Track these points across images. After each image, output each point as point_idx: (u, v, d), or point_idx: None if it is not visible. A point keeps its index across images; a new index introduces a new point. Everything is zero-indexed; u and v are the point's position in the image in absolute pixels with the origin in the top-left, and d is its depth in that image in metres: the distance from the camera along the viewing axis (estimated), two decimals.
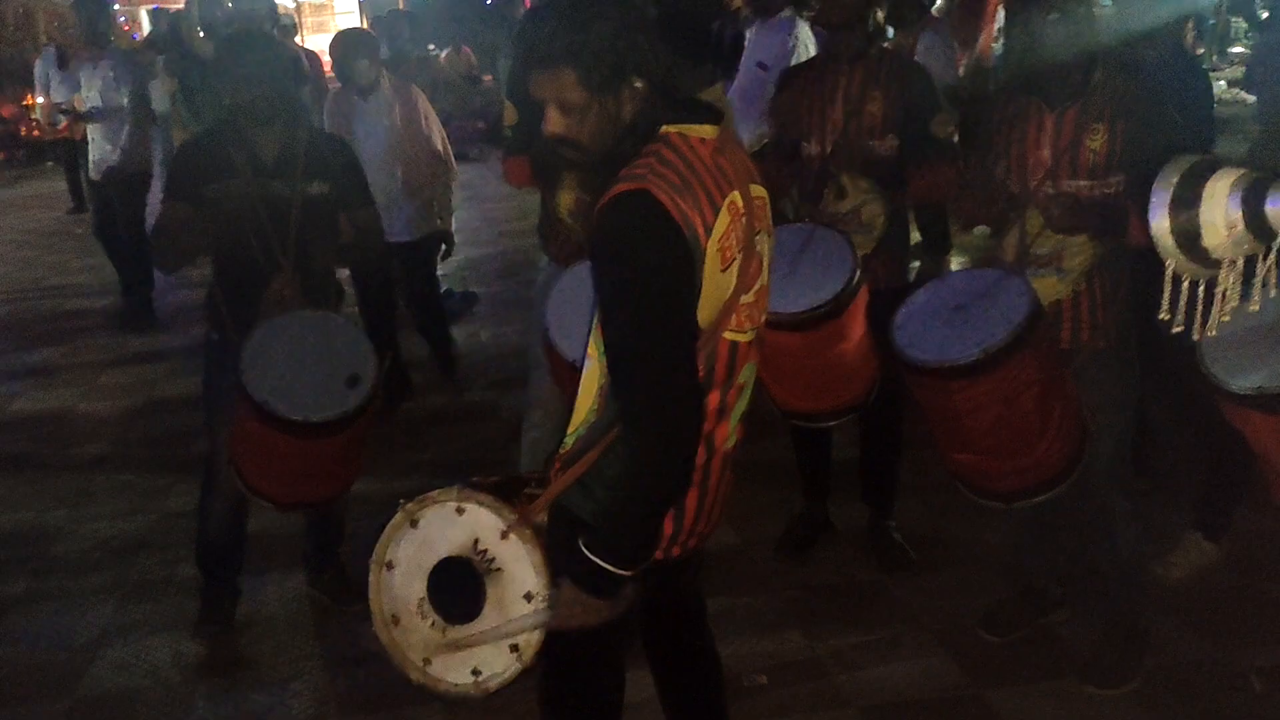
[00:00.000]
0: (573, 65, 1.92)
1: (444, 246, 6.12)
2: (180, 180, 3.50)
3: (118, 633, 3.85)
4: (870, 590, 3.86)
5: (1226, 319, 1.72)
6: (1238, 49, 16.18)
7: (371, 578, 2.16)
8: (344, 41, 5.59)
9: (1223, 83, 14.13)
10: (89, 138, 7.33)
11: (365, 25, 19.74)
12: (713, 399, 2.01)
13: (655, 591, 2.18)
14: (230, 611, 3.81)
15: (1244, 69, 12.79)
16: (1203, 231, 1.66)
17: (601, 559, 1.93)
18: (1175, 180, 1.69)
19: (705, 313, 1.94)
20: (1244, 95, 12.42)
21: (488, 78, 17.07)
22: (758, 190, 2.08)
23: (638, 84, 1.95)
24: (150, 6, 15.90)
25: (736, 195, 1.98)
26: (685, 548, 2.13)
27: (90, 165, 7.42)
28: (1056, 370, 2.97)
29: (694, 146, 1.96)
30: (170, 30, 9.29)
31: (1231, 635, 3.46)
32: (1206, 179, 1.67)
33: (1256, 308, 1.72)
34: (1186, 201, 1.66)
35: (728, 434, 2.09)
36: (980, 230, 7.21)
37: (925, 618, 3.67)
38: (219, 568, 3.78)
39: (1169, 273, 1.73)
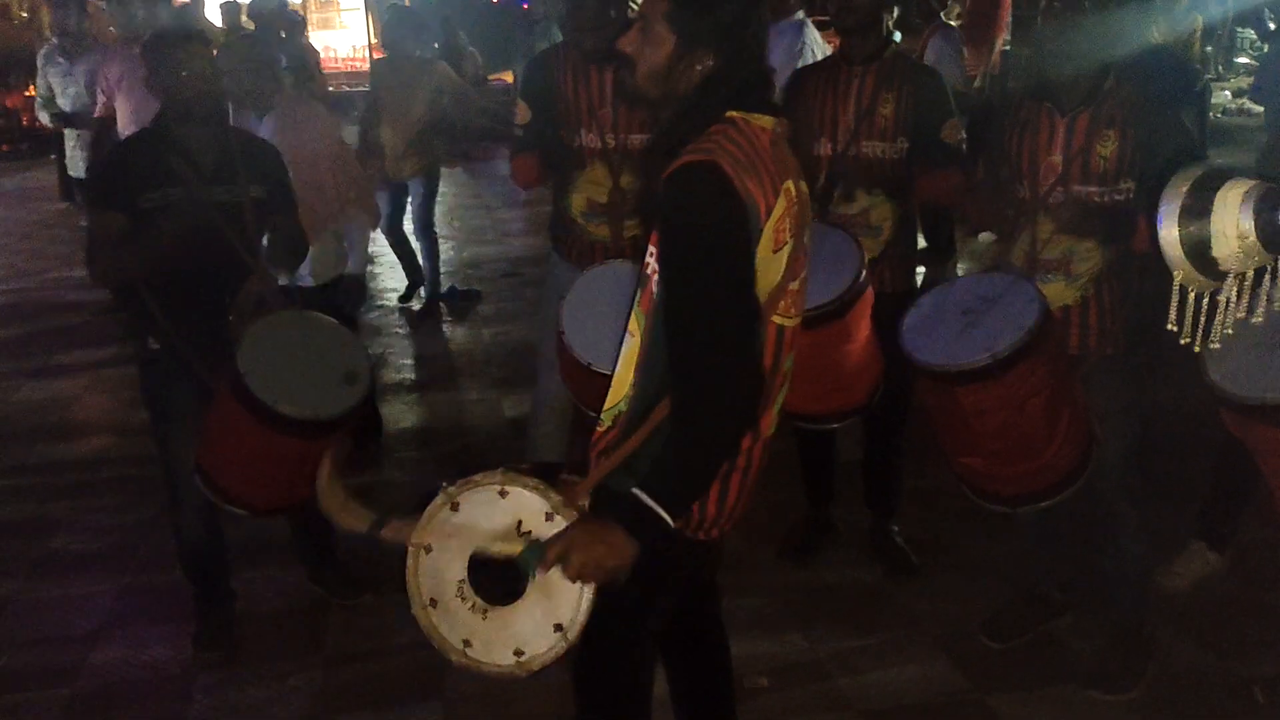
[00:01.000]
0: (672, 2, 1.97)
1: (354, 295, 5.02)
2: (113, 188, 3.32)
3: (117, 625, 3.84)
4: (873, 594, 3.86)
5: (1229, 331, 1.71)
6: (1243, 60, 16.19)
7: (409, 560, 2.14)
8: (229, 54, 4.61)
9: (1228, 93, 14.14)
10: (65, 135, 7.14)
11: (372, 21, 19.77)
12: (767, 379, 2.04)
13: (698, 573, 2.18)
14: (230, 626, 3.72)
15: (1250, 79, 12.80)
16: (1212, 241, 1.65)
17: (655, 500, 1.94)
18: (1185, 189, 1.68)
19: (758, 292, 1.97)
20: (1250, 106, 12.43)
21: (494, 77, 17.08)
22: (804, 185, 2.12)
23: (709, 61, 1.98)
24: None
25: (791, 184, 2.02)
26: (722, 530, 2.15)
27: (68, 161, 7.19)
28: (1065, 376, 2.97)
29: (756, 133, 2.00)
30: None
31: (1234, 645, 3.46)
32: (1218, 189, 1.66)
33: (1260, 319, 1.70)
34: (1197, 211, 1.65)
35: (771, 420, 2.12)
36: (985, 236, 7.23)
37: (927, 622, 3.67)
38: (206, 577, 3.71)
39: (1176, 283, 1.72)
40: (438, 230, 7.42)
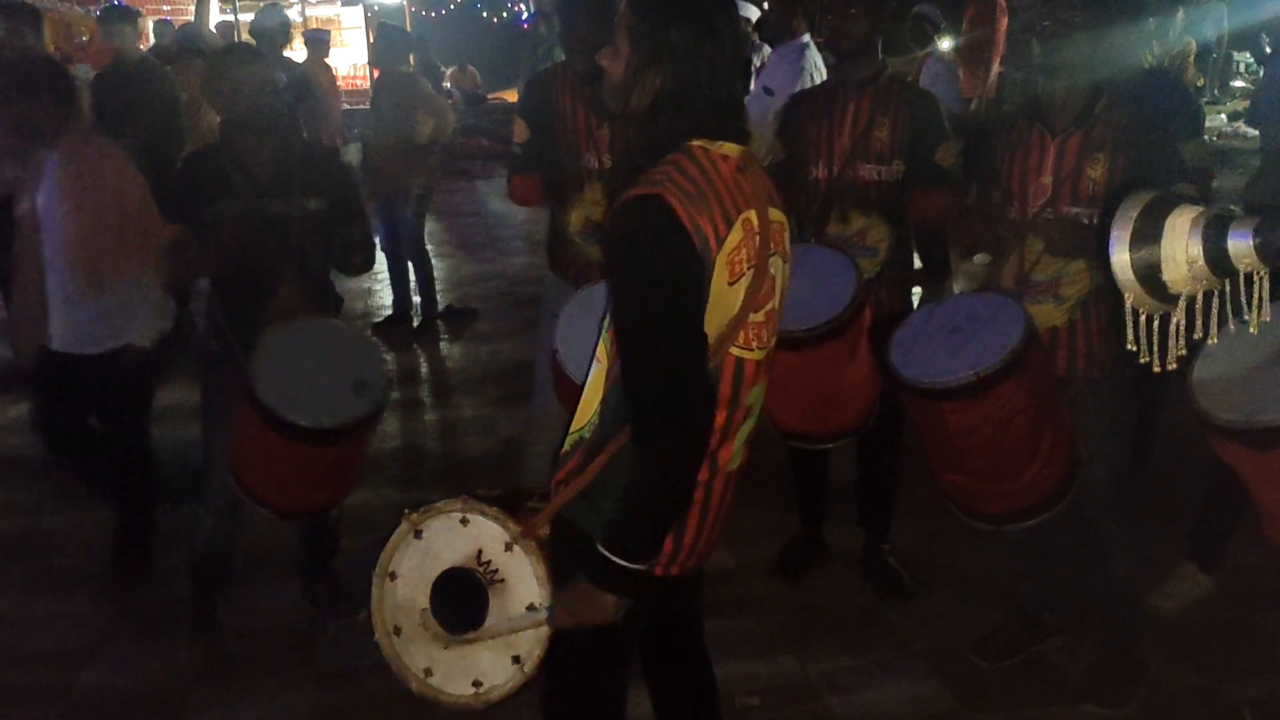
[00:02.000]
0: (634, 15, 2.01)
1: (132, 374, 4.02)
2: (179, 203, 3.51)
3: (110, 642, 3.85)
4: (864, 614, 3.87)
5: (1183, 353, 1.74)
6: (1239, 83, 16.28)
7: (375, 588, 2.17)
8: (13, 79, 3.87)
9: (1223, 116, 14.21)
10: None
11: (372, 40, 19.87)
12: (719, 417, 2.02)
13: (656, 609, 2.19)
14: (220, 621, 3.80)
15: (1245, 103, 12.88)
16: (1163, 265, 1.68)
17: (613, 554, 1.95)
18: (1135, 215, 1.71)
19: (711, 324, 1.96)
20: (1245, 129, 12.48)
21: (494, 96, 17.17)
22: (776, 214, 2.10)
23: (658, 81, 1.99)
24: (158, 18, 15.97)
25: (752, 214, 2.01)
26: (684, 566, 2.13)
27: None
28: (1050, 396, 2.98)
29: (715, 162, 2.00)
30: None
31: (1225, 667, 3.46)
32: (1167, 214, 1.69)
33: (1214, 340, 1.73)
34: (1147, 236, 1.68)
35: (732, 454, 2.10)
36: (981, 257, 7.25)
37: (918, 642, 3.67)
38: (211, 578, 3.77)
39: (1127, 305, 1.75)
40: (437, 248, 7.46)
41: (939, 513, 3.41)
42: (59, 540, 4.59)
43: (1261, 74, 12.67)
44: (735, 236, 1.96)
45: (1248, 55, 16.31)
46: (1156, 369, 1.76)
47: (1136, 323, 1.76)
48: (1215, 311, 1.71)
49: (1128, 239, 1.70)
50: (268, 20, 8.07)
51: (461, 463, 5.29)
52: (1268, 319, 1.67)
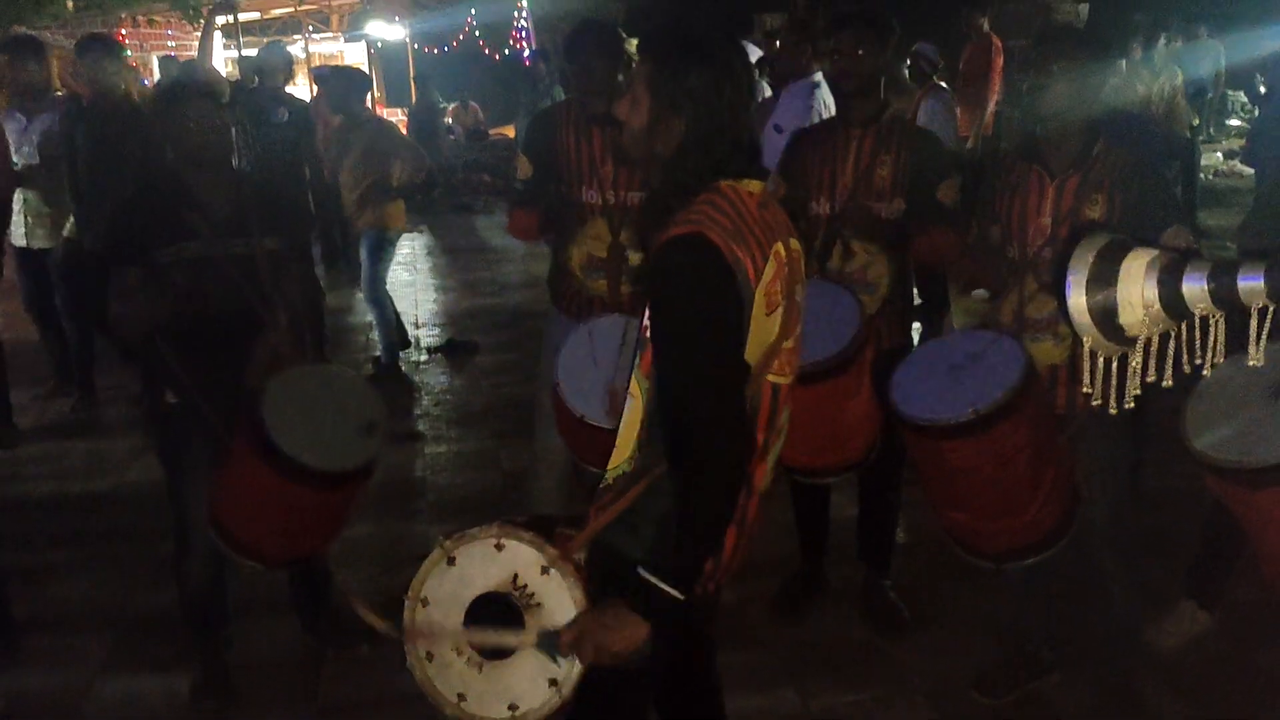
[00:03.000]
0: (653, 65, 2.08)
1: None
2: (124, 242, 3.35)
3: (112, 672, 3.85)
4: (864, 649, 3.87)
5: (1138, 392, 1.76)
6: (1234, 122, 16.38)
7: (406, 614, 2.17)
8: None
9: (1219, 155, 14.30)
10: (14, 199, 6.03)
11: (376, 75, 20.00)
12: (758, 439, 2.11)
13: (701, 626, 2.23)
14: (227, 675, 3.72)
15: (1241, 141, 12.97)
16: (1119, 309, 1.70)
17: (658, 579, 1.99)
18: (1091, 259, 1.73)
19: (751, 355, 2.04)
20: (1240, 167, 12.57)
21: (496, 131, 17.27)
22: (796, 244, 2.18)
23: (682, 125, 2.06)
24: (163, 54, 16.09)
25: (781, 246, 2.09)
26: (718, 584, 2.19)
27: (12, 230, 6.16)
28: (1050, 434, 3.02)
29: (743, 199, 2.07)
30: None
31: (1223, 705, 3.46)
32: (1122, 258, 1.71)
33: (1169, 383, 1.75)
34: (1103, 280, 1.70)
35: (765, 474, 2.18)
36: (979, 293, 7.29)
37: (918, 678, 3.68)
38: (206, 625, 3.72)
39: (1085, 349, 1.77)
40: (439, 282, 7.45)
41: (939, 548, 3.43)
42: (61, 575, 4.59)
43: (1257, 113, 12.78)
44: (771, 268, 2.04)
45: (1242, 94, 16.44)
46: (1112, 410, 1.79)
47: (1094, 365, 1.78)
48: (1170, 355, 1.73)
49: (1084, 283, 1.72)
50: (270, 57, 8.11)
51: (463, 496, 5.30)
52: (1221, 361, 1.69)
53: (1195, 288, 1.65)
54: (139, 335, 3.40)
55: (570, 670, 2.06)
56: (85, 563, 4.67)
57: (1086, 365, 1.76)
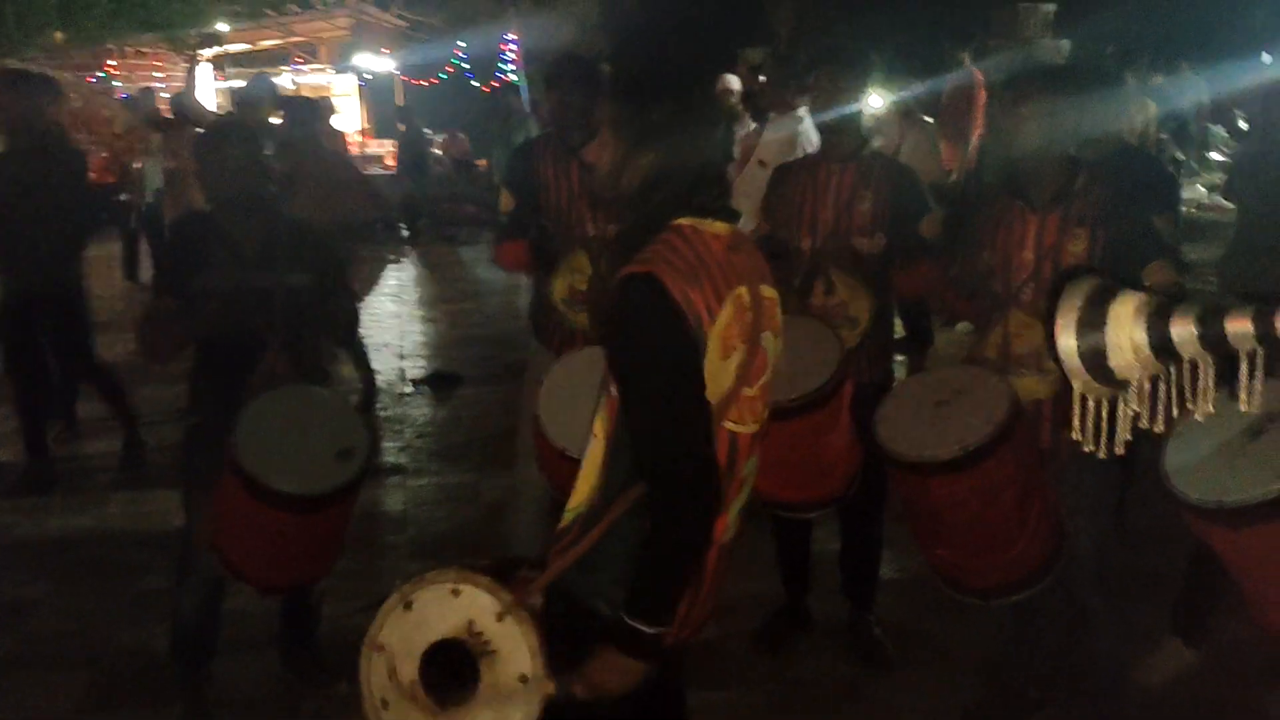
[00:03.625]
0: (618, 104, 2.10)
1: None
2: (164, 275, 3.59)
3: (91, 710, 3.79)
4: (848, 686, 3.84)
5: (1129, 438, 1.75)
6: (1216, 155, 16.51)
7: (363, 660, 2.14)
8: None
9: (1201, 188, 14.40)
10: None
11: (364, 109, 20.09)
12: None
13: (646, 681, 2.19)
14: (203, 693, 3.72)
15: (1222, 176, 13.05)
16: (1109, 353, 1.69)
17: (639, 623, 1.99)
18: (1080, 302, 1.72)
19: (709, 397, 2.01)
20: (1222, 202, 12.64)
21: (481, 162, 17.33)
22: (768, 291, 2.15)
23: (647, 160, 2.06)
24: (145, 84, 16.10)
25: (744, 290, 2.06)
26: (678, 638, 2.15)
27: None
28: (1036, 469, 3.00)
29: (706, 241, 2.05)
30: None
31: None
32: (1111, 301, 1.70)
33: (1160, 429, 1.73)
34: (1092, 323, 1.70)
35: (726, 526, 2.13)
36: (963, 326, 7.32)
37: (903, 715, 3.65)
38: (195, 654, 3.70)
39: (1076, 393, 1.75)
40: (425, 313, 7.38)
41: (924, 584, 3.41)
42: (42, 611, 4.53)
43: (1238, 148, 12.89)
44: (727, 313, 2.01)
45: (1223, 129, 16.59)
46: (1102, 455, 1.77)
47: (1085, 410, 1.76)
48: (1163, 398, 1.72)
49: (1073, 327, 1.71)
50: (254, 90, 8.08)
51: (444, 530, 5.26)
52: (1211, 409, 1.67)
53: (1184, 331, 1.63)
54: (164, 358, 3.62)
55: (527, 719, 2.03)
56: (65, 599, 4.61)
57: (1077, 409, 1.75)
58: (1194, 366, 1.65)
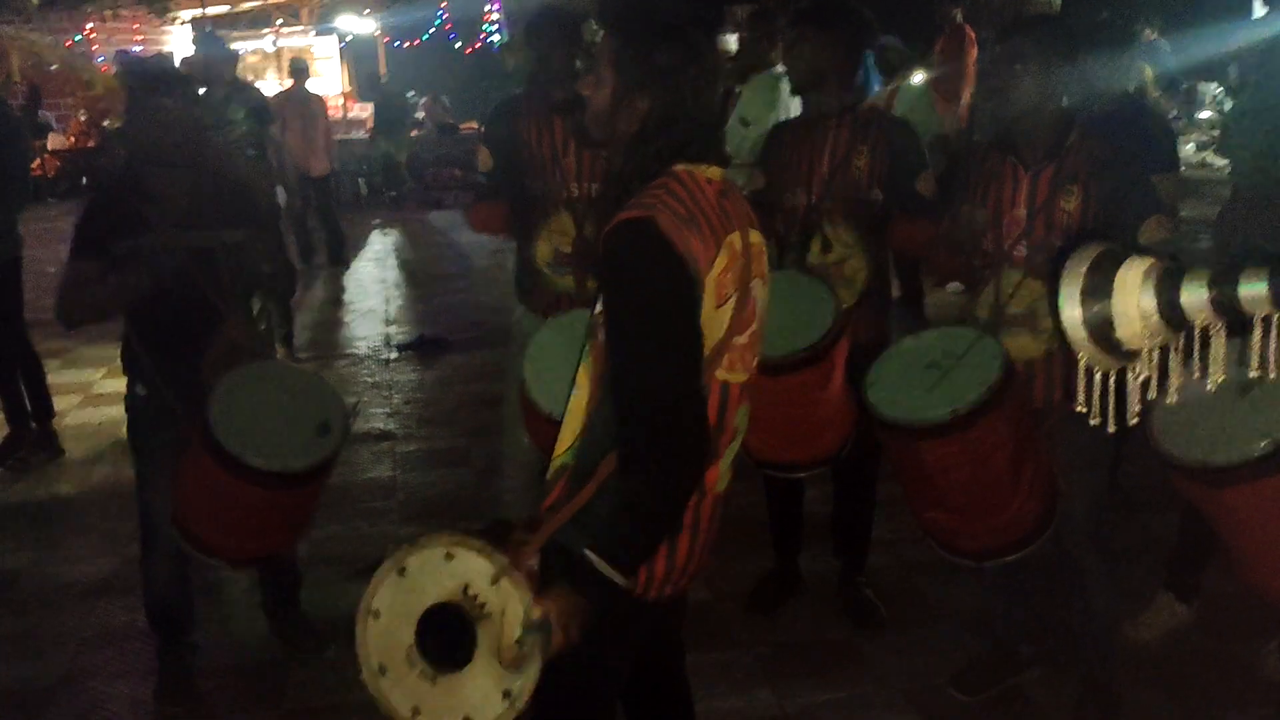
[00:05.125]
0: (619, 42, 2.03)
1: None
2: (86, 237, 3.35)
3: (76, 679, 3.77)
4: (840, 647, 3.83)
5: (1140, 408, 1.70)
6: (1205, 114, 16.46)
7: (359, 626, 2.11)
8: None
9: (1191, 146, 14.38)
10: None
11: (346, 71, 19.86)
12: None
13: (649, 633, 2.17)
14: (191, 680, 3.67)
15: (1214, 134, 13.02)
16: (1115, 322, 1.63)
17: (599, 557, 1.94)
18: (1084, 270, 1.66)
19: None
20: (1212, 159, 12.62)
21: (466, 125, 17.22)
22: (756, 237, 2.12)
23: (645, 105, 2.01)
24: (129, 47, 15.91)
25: (736, 237, 2.03)
26: (676, 587, 2.14)
27: None
28: (1028, 430, 2.97)
29: (701, 185, 2.01)
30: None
31: (1203, 698, 3.44)
32: (1116, 269, 1.64)
33: (1173, 399, 1.69)
34: (1097, 292, 1.64)
35: (718, 476, 2.10)
36: (953, 286, 7.28)
37: (895, 676, 3.64)
38: (171, 626, 3.66)
39: (1081, 365, 1.70)
40: (410, 278, 7.33)
41: (915, 544, 3.39)
42: (27, 577, 4.50)
43: (1231, 104, 12.83)
44: (722, 260, 1.98)
45: (1213, 85, 16.52)
46: (1112, 429, 1.72)
47: (1090, 382, 1.71)
48: (1174, 368, 1.67)
49: (1078, 296, 1.65)
50: (212, 51, 7.84)
51: (434, 495, 5.23)
52: (1223, 377, 1.62)
53: (1195, 297, 1.57)
54: (83, 323, 3.46)
55: (524, 681, 2.00)
56: (50, 568, 4.57)
57: (1082, 382, 1.69)
58: (1204, 333, 1.60)
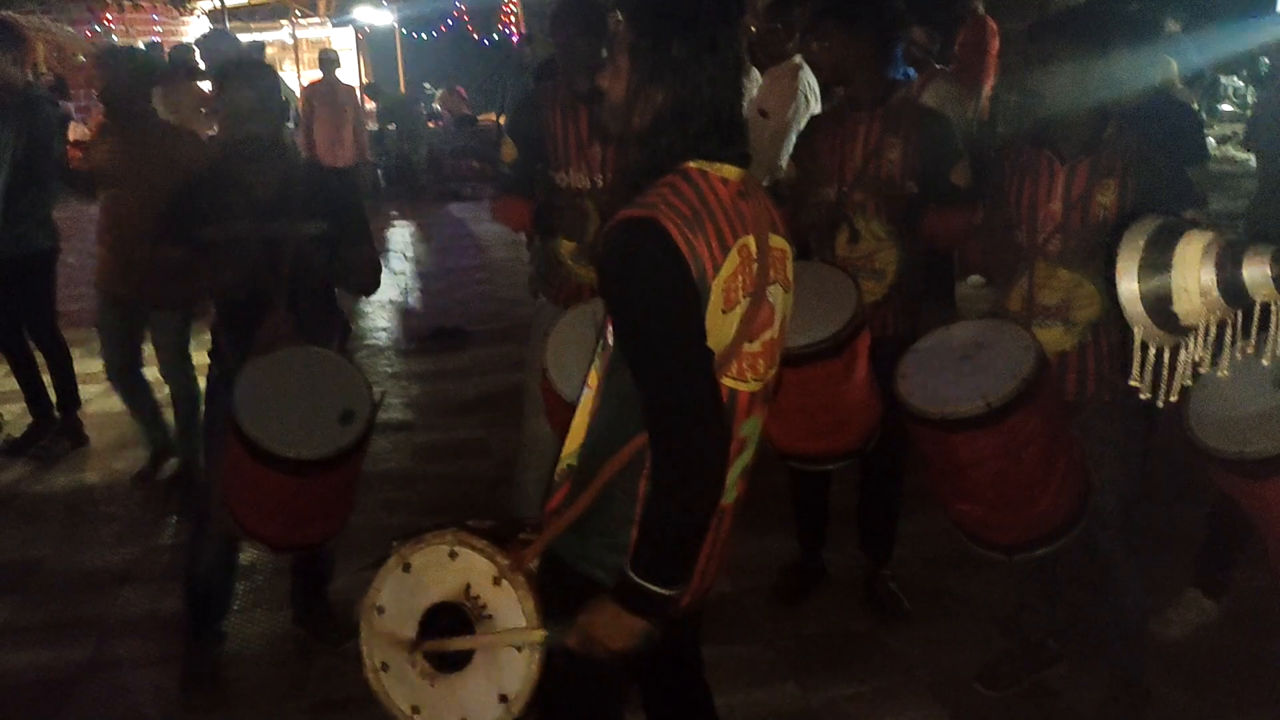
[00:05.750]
0: (635, 33, 1.95)
1: None
2: (175, 223, 3.45)
3: (99, 668, 3.77)
4: (865, 641, 3.81)
5: (1189, 383, 1.67)
6: (1227, 107, 16.36)
7: (362, 622, 2.11)
8: None
9: (1213, 140, 14.28)
10: None
11: (363, 62, 19.88)
12: None
13: (658, 645, 2.15)
14: (217, 669, 3.68)
15: (1235, 127, 12.93)
16: (1174, 297, 1.59)
17: (644, 579, 1.89)
18: (1143, 244, 1.62)
19: None
20: (1234, 152, 12.54)
21: (484, 117, 17.19)
22: (778, 241, 2.04)
23: (660, 97, 1.94)
24: (148, 39, 15.93)
25: (750, 240, 1.95)
26: (690, 602, 2.09)
27: None
28: (1061, 423, 2.95)
29: (714, 185, 1.94)
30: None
31: (1229, 694, 3.42)
32: (1175, 243, 1.60)
33: (1225, 373, 1.66)
34: (1156, 266, 1.60)
35: (726, 489, 2.02)
36: (974, 279, 7.24)
37: (920, 670, 3.62)
38: (207, 610, 3.68)
39: (1136, 340, 1.67)
40: (428, 269, 7.30)
41: (941, 537, 3.36)
42: (50, 566, 4.51)
43: (1256, 98, 12.74)
44: (731, 263, 1.90)
45: (1235, 79, 16.40)
46: (1160, 404, 1.69)
47: (1145, 357, 1.68)
48: (1228, 344, 1.64)
49: (1135, 270, 1.61)
50: (217, 44, 7.84)
51: (453, 486, 5.22)
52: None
53: (1258, 273, 1.54)
54: (172, 307, 3.64)
55: (521, 686, 1.99)
56: (74, 557, 4.58)
57: (1137, 357, 1.66)
58: (1264, 310, 1.57)
